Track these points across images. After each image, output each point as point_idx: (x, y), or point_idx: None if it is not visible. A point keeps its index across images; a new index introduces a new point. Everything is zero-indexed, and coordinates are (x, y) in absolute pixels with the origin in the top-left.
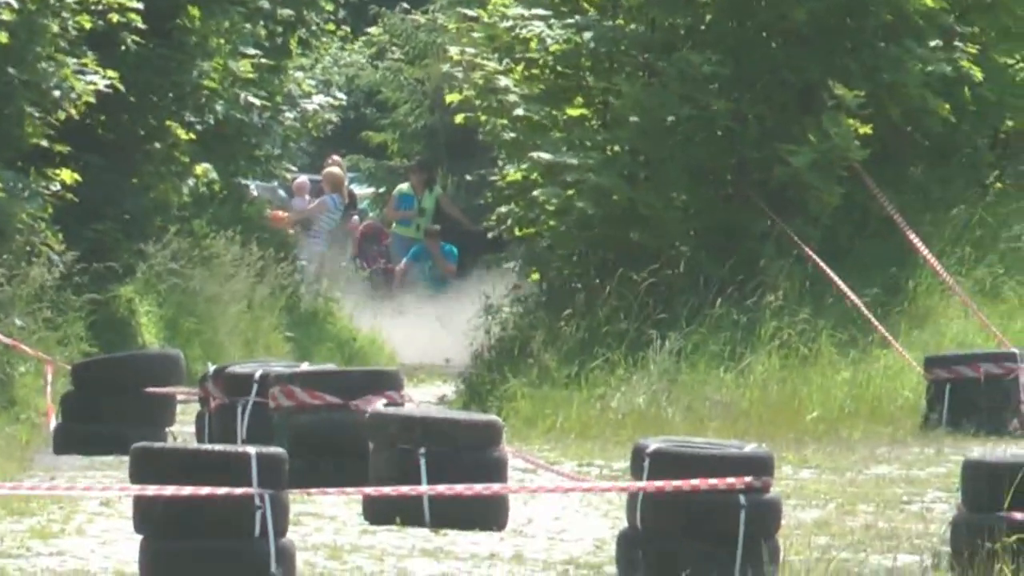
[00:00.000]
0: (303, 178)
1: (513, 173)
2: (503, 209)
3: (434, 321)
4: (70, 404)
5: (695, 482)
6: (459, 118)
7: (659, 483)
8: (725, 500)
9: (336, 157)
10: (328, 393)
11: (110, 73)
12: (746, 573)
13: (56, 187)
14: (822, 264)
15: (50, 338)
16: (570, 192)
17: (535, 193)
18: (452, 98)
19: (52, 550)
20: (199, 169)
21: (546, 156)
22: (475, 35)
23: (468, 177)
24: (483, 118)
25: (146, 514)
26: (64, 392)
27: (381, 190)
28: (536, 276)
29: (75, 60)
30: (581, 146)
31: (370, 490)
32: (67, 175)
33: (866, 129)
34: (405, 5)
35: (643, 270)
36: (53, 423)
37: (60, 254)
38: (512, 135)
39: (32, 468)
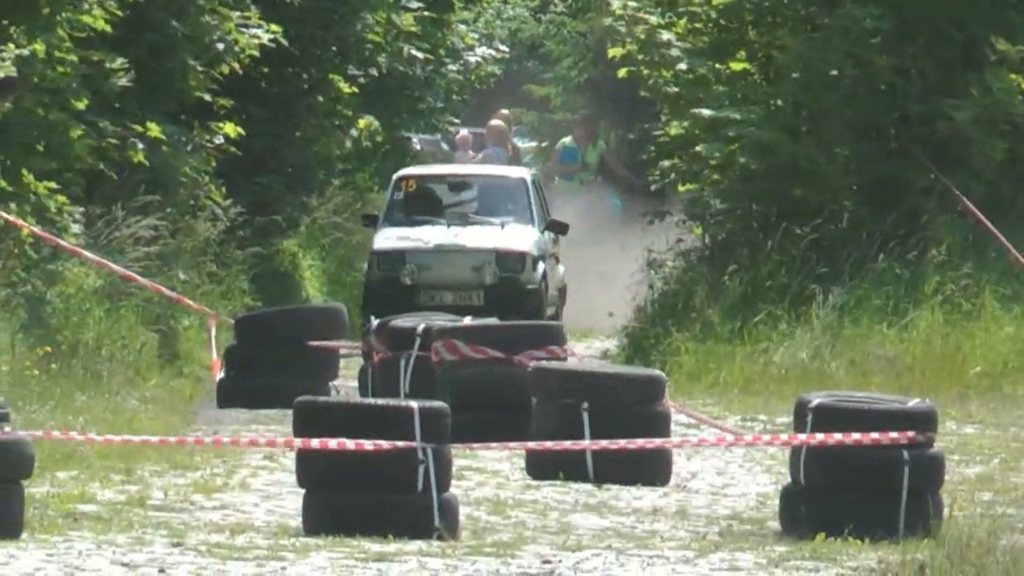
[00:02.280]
0: (465, 131)
1: (676, 127)
2: (666, 163)
3: (596, 275)
4: (233, 358)
5: (858, 436)
6: (621, 72)
7: (822, 437)
8: (888, 455)
9: (504, 111)
10: (491, 347)
11: (273, 27)
12: (910, 528)
13: (219, 140)
14: (984, 219)
15: (214, 292)
16: (732, 147)
17: (697, 148)
18: (614, 52)
19: (215, 504)
20: (362, 122)
21: (707, 112)
22: None
23: (632, 130)
24: (645, 72)
25: (309, 468)
26: (227, 346)
27: (544, 144)
28: (699, 231)
29: (238, 14)
30: (744, 100)
31: (533, 445)
32: (230, 128)
33: None
34: None
35: (805, 224)
36: (219, 376)
37: (224, 208)
38: (674, 89)
39: (196, 422)
